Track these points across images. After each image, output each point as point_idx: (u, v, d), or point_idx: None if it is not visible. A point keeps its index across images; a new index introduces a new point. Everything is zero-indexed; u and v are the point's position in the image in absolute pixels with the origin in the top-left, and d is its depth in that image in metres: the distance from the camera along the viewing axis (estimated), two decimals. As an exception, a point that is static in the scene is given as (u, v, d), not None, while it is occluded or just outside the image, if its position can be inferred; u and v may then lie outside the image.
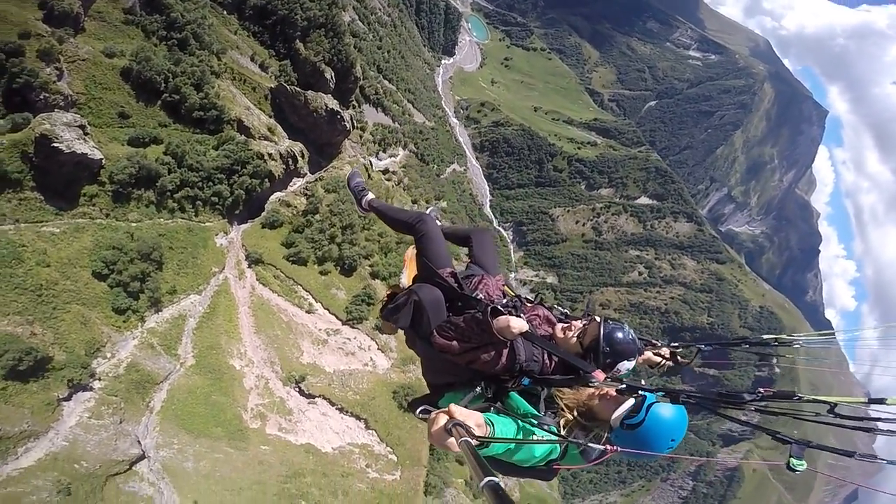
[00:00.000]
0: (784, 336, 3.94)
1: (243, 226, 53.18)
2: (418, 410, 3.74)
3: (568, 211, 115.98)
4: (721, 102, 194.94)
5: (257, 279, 51.00)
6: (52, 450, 32.49)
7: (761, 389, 2.88)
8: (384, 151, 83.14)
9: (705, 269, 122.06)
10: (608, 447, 3.18)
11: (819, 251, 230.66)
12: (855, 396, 2.76)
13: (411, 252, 5.26)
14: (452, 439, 2.46)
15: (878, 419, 2.64)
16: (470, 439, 2.37)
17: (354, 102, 78.94)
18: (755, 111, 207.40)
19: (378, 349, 54.94)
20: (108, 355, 37.79)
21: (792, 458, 2.66)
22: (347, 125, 69.03)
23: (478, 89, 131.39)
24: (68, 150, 38.62)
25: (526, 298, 4.52)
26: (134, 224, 43.02)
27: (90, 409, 35.34)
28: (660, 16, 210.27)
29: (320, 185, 60.89)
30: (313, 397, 48.08)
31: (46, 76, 41.36)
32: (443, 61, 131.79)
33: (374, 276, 59.59)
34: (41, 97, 41.13)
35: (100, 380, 36.72)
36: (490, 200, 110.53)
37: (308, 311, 52.45)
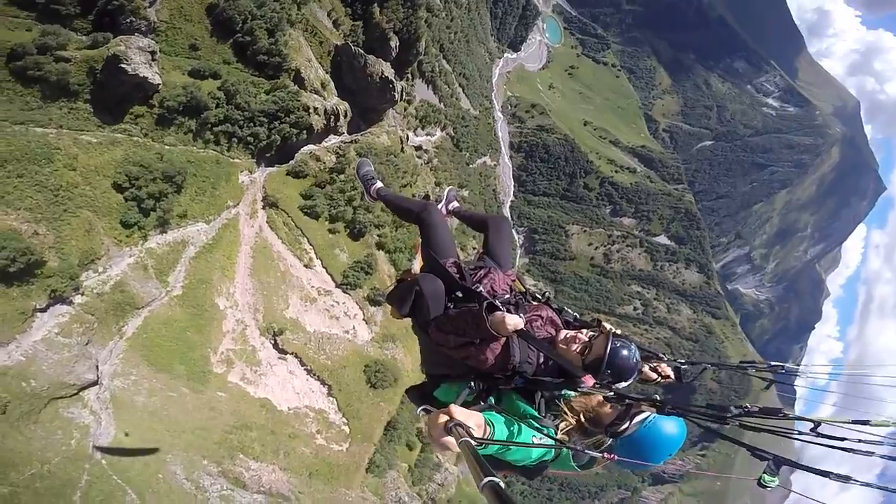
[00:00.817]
0: (790, 365, 3.90)
1: (269, 169, 54.23)
2: (419, 410, 3.78)
3: (585, 231, 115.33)
4: (779, 157, 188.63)
5: (267, 221, 51.79)
6: (5, 363, 31.38)
7: (747, 405, 2.92)
8: (423, 129, 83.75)
9: (698, 320, 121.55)
10: (604, 455, 3.20)
11: (813, 328, 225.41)
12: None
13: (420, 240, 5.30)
14: (452, 439, 2.49)
15: (860, 440, 2.62)
16: (470, 440, 2.38)
17: (409, 75, 79.37)
18: (811, 174, 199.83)
19: (363, 320, 55.57)
20: (101, 269, 38.03)
21: (764, 475, 2.71)
22: (396, 96, 69.93)
23: (533, 90, 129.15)
24: (132, 72, 40.34)
25: (533, 296, 4.53)
26: (167, 147, 44.35)
27: (61, 325, 34.64)
28: (753, 57, 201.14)
29: (353, 147, 61.86)
30: (286, 353, 48.23)
31: (139, 2, 43.25)
32: (506, 55, 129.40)
33: (379, 246, 60.53)
34: (128, 20, 42.90)
35: (83, 294, 36.44)
36: (512, 201, 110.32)
37: (306, 265, 53.08)
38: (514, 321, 3.63)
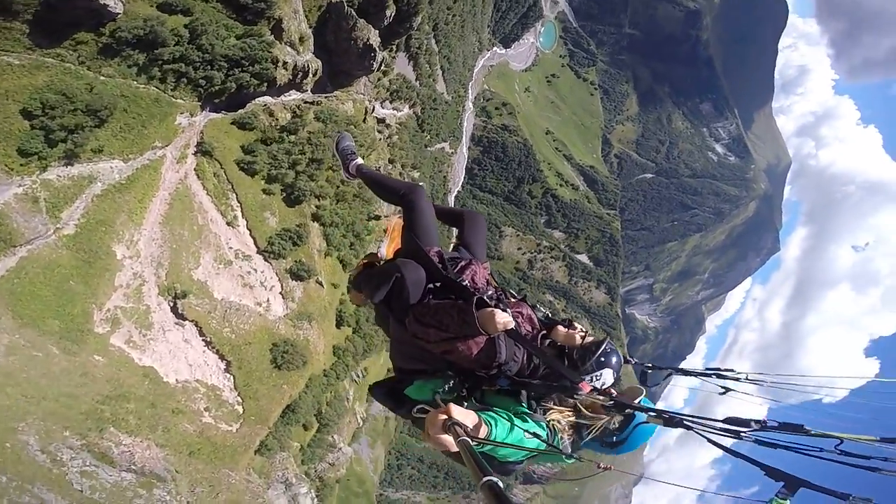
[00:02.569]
0: (755, 374, 3.83)
1: (214, 115, 47.41)
2: (415, 409, 3.37)
3: (518, 235, 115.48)
4: (704, 202, 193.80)
5: (195, 169, 44.87)
6: None
7: (765, 419, 2.71)
8: (391, 102, 78.63)
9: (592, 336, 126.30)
10: (599, 465, 3.11)
11: (685, 359, 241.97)
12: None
13: (396, 223, 4.86)
14: (450, 438, 2.37)
15: (886, 459, 2.43)
16: (468, 439, 2.23)
17: (394, 47, 73.69)
18: (724, 223, 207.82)
19: (280, 293, 49.55)
20: None
21: (776, 498, 2.44)
22: (375, 65, 64.63)
23: (509, 89, 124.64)
24: None
25: (511, 293, 4.15)
26: (102, 77, 37.08)
27: None
28: (719, 102, 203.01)
29: (313, 109, 56.10)
30: (184, 319, 41.72)
31: None
32: (494, 48, 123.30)
33: (315, 217, 54.30)
34: None
35: None
36: (458, 191, 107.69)
37: (229, 223, 46.46)
38: (505, 319, 3.35)
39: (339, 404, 56.83)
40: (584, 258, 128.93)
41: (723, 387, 3.91)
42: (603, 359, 3.49)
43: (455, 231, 4.81)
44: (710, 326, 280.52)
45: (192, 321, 41.85)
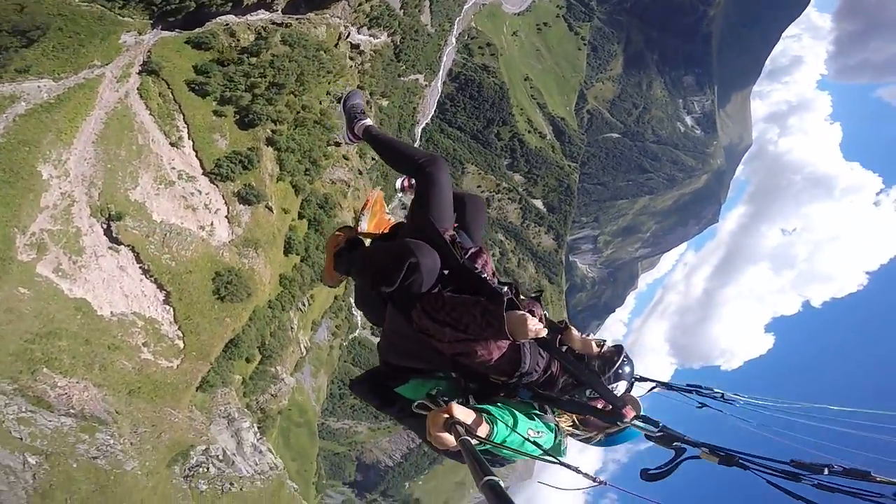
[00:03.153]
0: (730, 394, 3.67)
1: (166, 33, 43.20)
2: (415, 405, 3.00)
3: (479, 174, 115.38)
4: (660, 168, 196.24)
5: (138, 89, 40.95)
6: None
7: (832, 464, 2.46)
8: (368, 28, 74.86)
9: (537, 280, 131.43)
10: (598, 478, 2.71)
11: (614, 311, 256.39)
12: None
13: (378, 195, 4.40)
14: (451, 437, 2.30)
15: None
16: (469, 439, 2.22)
17: (376, -27, 68.87)
18: (674, 190, 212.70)
19: (225, 217, 45.26)
20: None
21: None
22: (355, -21, 60.51)
23: (497, 30, 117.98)
24: None
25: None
26: None
27: None
28: (702, 78, 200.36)
29: (280, 33, 51.76)
30: (119, 244, 37.58)
31: None
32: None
33: (270, 142, 50.08)
34: None
35: None
36: (427, 123, 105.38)
37: (173, 145, 42.50)
38: (537, 326, 3.02)
39: (282, 335, 54.10)
40: (538, 203, 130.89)
41: (700, 403, 3.76)
42: (621, 371, 3.23)
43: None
44: (642, 283, 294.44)
45: (127, 246, 38.38)
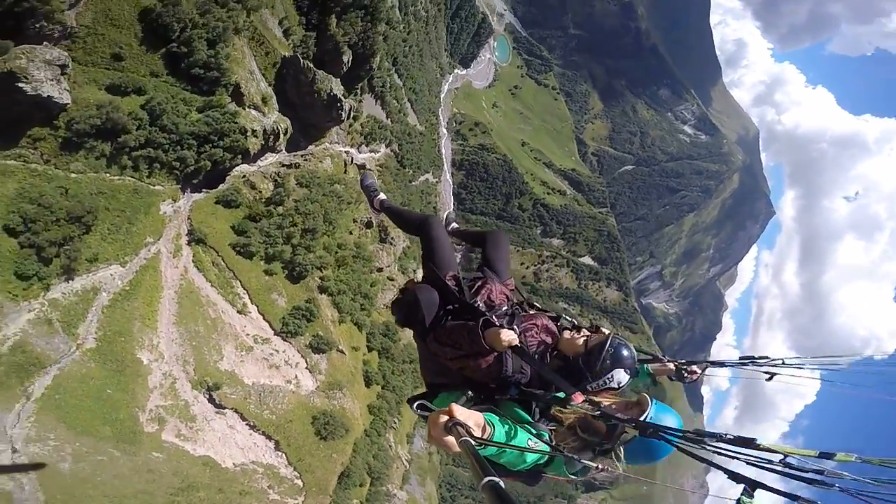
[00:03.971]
0: (791, 357, 4.03)
1: (196, 195, 46.59)
2: (415, 405, 3.43)
3: (518, 251, 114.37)
4: (689, 182, 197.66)
5: (193, 261, 44.56)
6: None
7: (724, 433, 2.95)
8: (367, 145, 77.89)
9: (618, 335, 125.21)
10: (597, 465, 3.19)
11: (715, 338, 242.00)
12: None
13: None
14: (452, 438, 2.38)
15: (822, 471, 2.64)
16: (470, 439, 2.27)
17: (358, 91, 73.40)
18: (714, 198, 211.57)
19: (306, 368, 49.94)
20: None
21: (743, 497, 2.69)
22: (343, 115, 63.88)
23: (477, 108, 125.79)
24: (33, 92, 32.57)
25: (531, 304, 4.37)
26: (74, 175, 36.15)
27: None
28: (675, 86, 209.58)
29: (293, 175, 55.44)
30: (224, 408, 42.86)
31: (57, 4, 35.20)
32: (455, 71, 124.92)
33: (322, 290, 54.57)
34: (38, 26, 34.60)
35: None
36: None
37: (240, 312, 46.62)
38: (509, 337, 3.64)
39: (384, 455, 59.06)
40: (587, 260, 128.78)
41: (767, 373, 4.18)
42: (609, 360, 3.56)
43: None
44: (731, 301, 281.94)
45: (231, 409, 43.30)
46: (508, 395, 3.76)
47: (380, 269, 67.68)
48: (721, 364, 4.63)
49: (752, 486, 2.72)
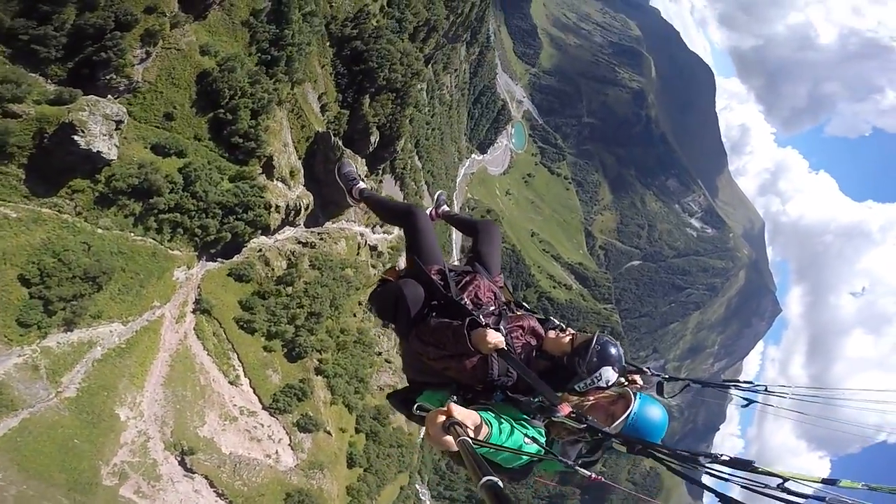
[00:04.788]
0: (773, 385, 4.09)
1: (210, 264, 48.28)
2: (415, 407, 3.64)
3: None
4: (695, 280, 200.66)
5: (195, 329, 45.58)
6: None
7: (719, 453, 2.93)
8: (381, 226, 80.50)
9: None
10: (591, 475, 3.05)
11: (718, 429, 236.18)
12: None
13: None
14: (450, 438, 2.38)
15: (824, 499, 2.59)
16: (468, 439, 2.22)
17: (380, 171, 77.05)
18: (720, 296, 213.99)
19: (289, 445, 50.43)
20: None
21: None
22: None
23: (491, 195, 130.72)
24: (85, 147, 34.58)
25: (518, 304, 4.37)
26: (100, 231, 37.87)
27: None
28: (683, 176, 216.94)
29: (308, 255, 57.02)
30: (193, 473, 42.70)
31: (129, 59, 38.31)
32: (473, 155, 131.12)
33: (318, 371, 55.87)
34: (107, 77, 37.62)
35: None
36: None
37: (231, 383, 47.63)
38: (496, 339, 3.55)
39: None
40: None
41: (745, 399, 4.27)
42: (596, 358, 3.57)
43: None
44: (735, 393, 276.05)
45: (201, 475, 43.12)
46: (493, 399, 3.72)
47: (379, 353, 68.90)
48: (703, 384, 4.67)
49: None
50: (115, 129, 37.67)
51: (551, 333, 3.95)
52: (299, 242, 57.44)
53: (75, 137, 34.49)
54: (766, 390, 4.08)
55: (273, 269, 52.66)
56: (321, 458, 52.46)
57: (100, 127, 35.93)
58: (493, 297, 4.21)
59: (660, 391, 4.29)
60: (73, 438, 35.85)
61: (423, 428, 2.73)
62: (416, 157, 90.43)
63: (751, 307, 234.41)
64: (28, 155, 34.06)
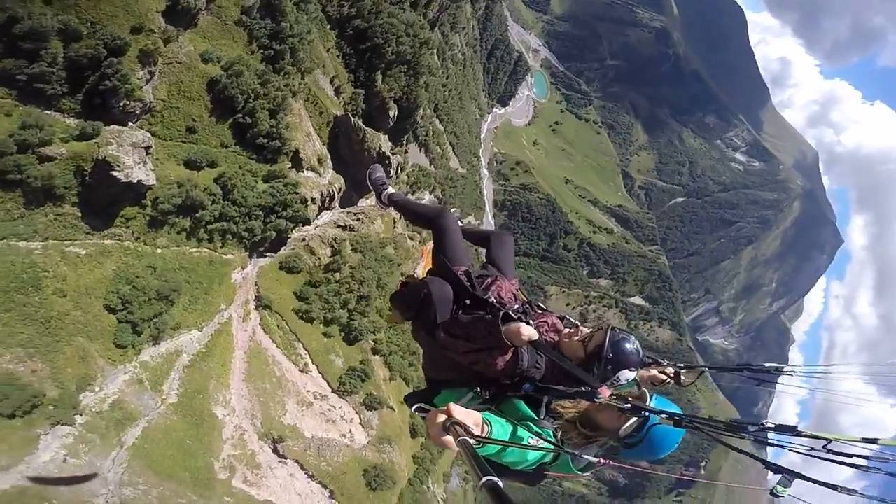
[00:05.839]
0: (785, 365, 4.11)
1: (261, 261, 52.95)
2: (414, 408, 3.93)
3: (563, 291, 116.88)
4: (745, 213, 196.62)
5: (260, 324, 50.74)
6: (20, 482, 31.23)
7: (764, 421, 3.12)
8: (412, 193, 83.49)
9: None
10: (600, 459, 3.44)
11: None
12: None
13: (429, 247, 5.38)
14: (451, 437, 2.52)
15: (868, 457, 2.84)
16: (468, 438, 2.42)
17: (404, 141, 79.49)
18: (774, 229, 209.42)
19: (359, 423, 55.81)
20: (97, 388, 37.15)
21: (778, 486, 2.93)
22: (392, 171, 69.72)
23: (518, 146, 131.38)
24: (125, 180, 38.37)
25: (537, 305, 4.58)
26: (159, 251, 42.51)
27: (67, 446, 34.42)
28: (722, 112, 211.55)
29: (349, 240, 60.97)
30: (286, 458, 48.42)
31: (136, 82, 41.09)
32: (494, 110, 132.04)
33: (375, 351, 60.60)
34: (121, 104, 40.63)
35: (81, 414, 35.82)
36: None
37: (302, 371, 52.78)
38: (529, 332, 3.73)
39: (423, 499, 64.33)
40: (637, 300, 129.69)
41: (757, 380, 4.32)
42: (612, 366, 3.68)
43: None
44: (798, 334, 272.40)
45: (293, 460, 48.92)
46: (522, 392, 3.86)
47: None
48: (716, 369, 4.94)
49: (789, 476, 2.91)
50: (146, 154, 41.08)
51: (565, 333, 4.11)
52: (339, 226, 61.15)
53: (113, 173, 38.07)
54: (777, 371, 4.11)
55: (319, 258, 56.86)
56: (388, 433, 57.69)
57: (132, 157, 39.28)
58: (513, 298, 4.49)
59: (677, 380, 4.42)
60: (185, 440, 41.75)
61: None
62: (437, 121, 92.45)
63: (809, 239, 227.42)
64: (76, 193, 38.08)
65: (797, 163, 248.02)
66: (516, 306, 4.32)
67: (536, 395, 3.84)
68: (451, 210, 6.87)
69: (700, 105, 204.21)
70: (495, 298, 4.33)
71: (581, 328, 4.10)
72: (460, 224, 6.02)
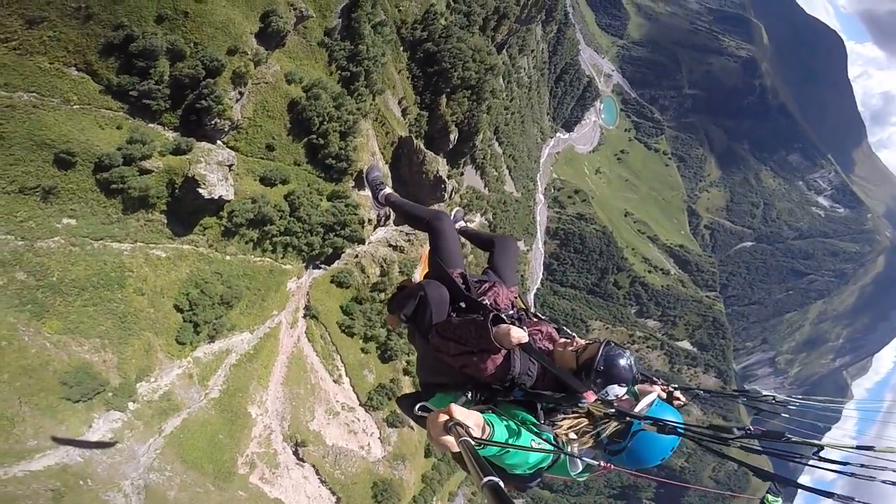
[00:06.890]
0: (780, 395, 4.24)
1: (316, 272, 58.55)
2: (417, 408, 3.89)
3: (607, 328, 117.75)
4: (820, 265, 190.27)
5: (306, 332, 56.04)
6: (63, 460, 35.53)
7: (750, 427, 3.16)
8: (464, 217, 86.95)
9: (706, 422, 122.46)
10: (600, 463, 3.48)
11: (829, 428, 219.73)
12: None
13: (426, 250, 5.57)
14: (451, 438, 2.60)
15: (863, 465, 2.83)
16: (469, 439, 2.48)
17: (461, 164, 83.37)
18: (851, 284, 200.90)
19: (379, 438, 60.51)
20: (153, 379, 42.31)
21: (768, 494, 2.97)
22: (445, 196, 73.92)
23: (579, 174, 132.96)
24: (207, 196, 44.18)
25: (534, 313, 4.74)
26: (228, 258, 48.36)
27: (114, 430, 38.94)
28: (809, 150, 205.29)
29: (398, 262, 65.82)
30: (304, 462, 53.17)
31: (227, 102, 46.44)
32: (558, 134, 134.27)
33: (406, 372, 65.18)
34: (213, 123, 46.28)
35: (134, 402, 40.69)
36: (538, 289, 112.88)
37: (335, 381, 57.84)
38: (519, 334, 3.88)
39: None
40: (685, 344, 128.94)
41: (756, 410, 4.38)
42: (602, 379, 3.83)
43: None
44: (859, 391, 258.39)
45: (310, 464, 53.60)
46: (512, 397, 4.00)
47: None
48: (712, 393, 4.93)
49: (779, 483, 3.00)
50: (229, 171, 46.89)
51: (559, 344, 4.24)
52: (390, 245, 66.22)
53: (199, 190, 44.03)
54: (774, 400, 4.17)
55: (368, 277, 62.24)
56: (404, 451, 62.45)
57: (216, 175, 44.95)
58: (510, 305, 4.68)
59: (669, 400, 4.49)
60: (217, 434, 46.33)
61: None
62: (497, 144, 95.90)
63: (888, 298, 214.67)
64: (165, 202, 44.06)
65: (889, 211, 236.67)
66: (511, 312, 4.58)
67: (526, 400, 3.99)
68: (452, 211, 8.00)
69: (784, 141, 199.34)
70: (490, 303, 4.57)
71: (577, 339, 4.29)
72: (465, 225, 6.88)
